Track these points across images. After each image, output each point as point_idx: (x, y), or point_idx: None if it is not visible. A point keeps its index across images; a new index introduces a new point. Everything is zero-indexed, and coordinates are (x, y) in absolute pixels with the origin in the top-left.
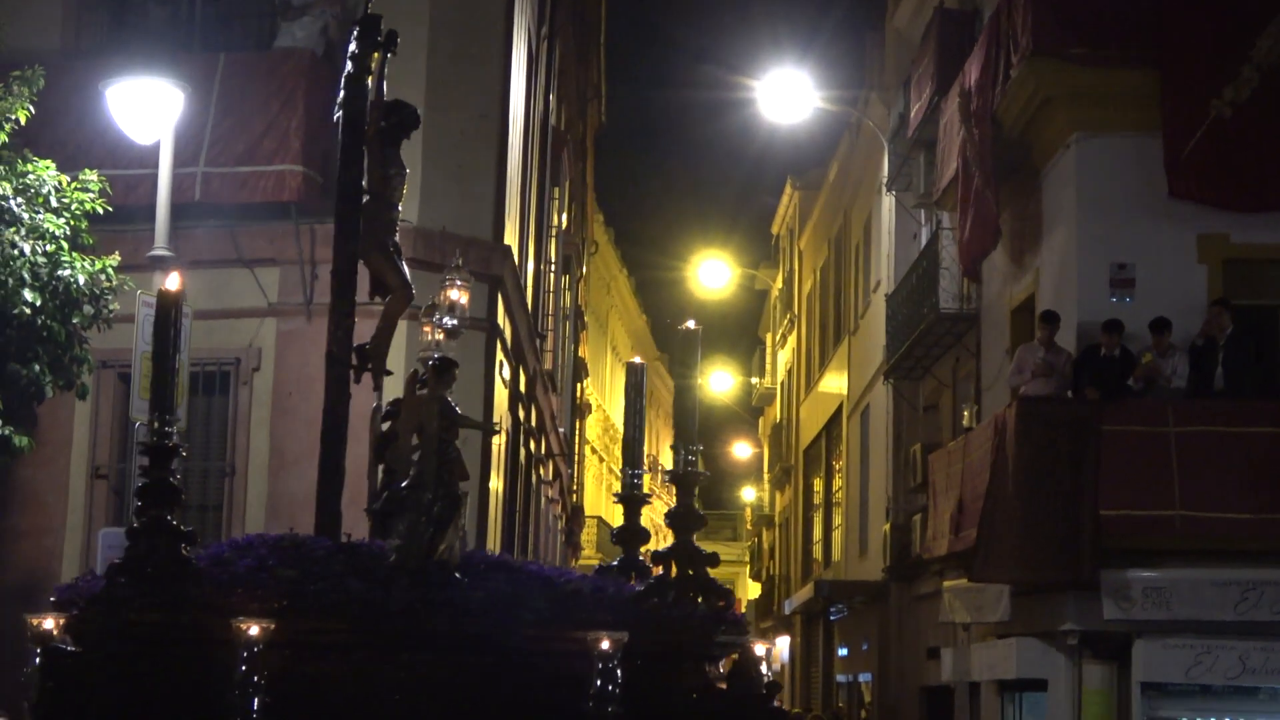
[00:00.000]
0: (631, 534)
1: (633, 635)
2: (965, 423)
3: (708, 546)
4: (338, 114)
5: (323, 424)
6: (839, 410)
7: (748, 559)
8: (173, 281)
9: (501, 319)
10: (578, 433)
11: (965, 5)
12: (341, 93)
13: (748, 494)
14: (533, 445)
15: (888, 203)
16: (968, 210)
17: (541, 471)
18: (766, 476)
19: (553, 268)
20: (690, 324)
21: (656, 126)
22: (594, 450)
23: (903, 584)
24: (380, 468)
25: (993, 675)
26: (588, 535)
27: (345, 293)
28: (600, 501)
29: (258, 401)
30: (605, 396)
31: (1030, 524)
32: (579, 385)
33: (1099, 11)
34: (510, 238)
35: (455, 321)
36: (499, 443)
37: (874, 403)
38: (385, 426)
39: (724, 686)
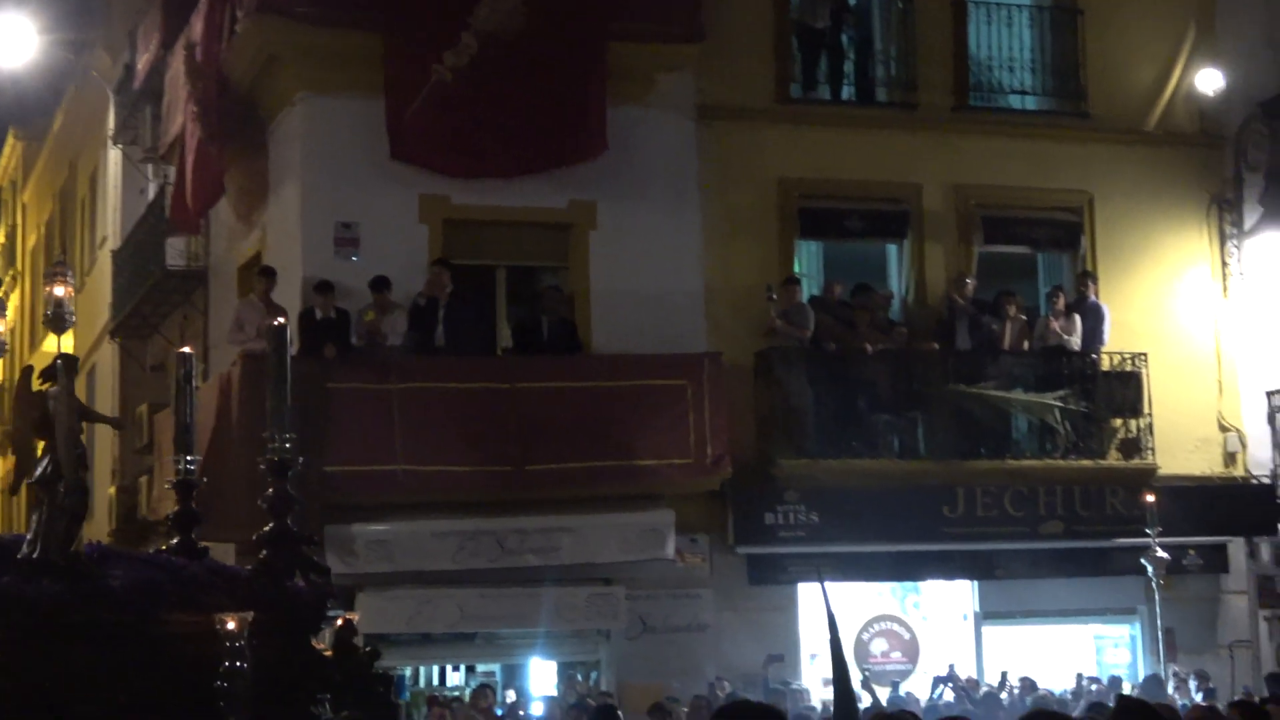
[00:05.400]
0: (187, 518)
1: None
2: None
3: None
4: None
5: None
6: None
7: None
8: None
9: None
10: None
11: None
12: None
13: None
14: None
15: (115, 156)
16: (190, 164)
17: None
18: None
19: None
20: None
21: None
22: None
23: (131, 547)
24: None
25: None
26: None
27: None
28: None
29: None
30: None
31: (255, 483)
32: None
33: None
34: None
35: (69, 315)
36: None
37: (100, 362)
38: None
39: (329, 654)
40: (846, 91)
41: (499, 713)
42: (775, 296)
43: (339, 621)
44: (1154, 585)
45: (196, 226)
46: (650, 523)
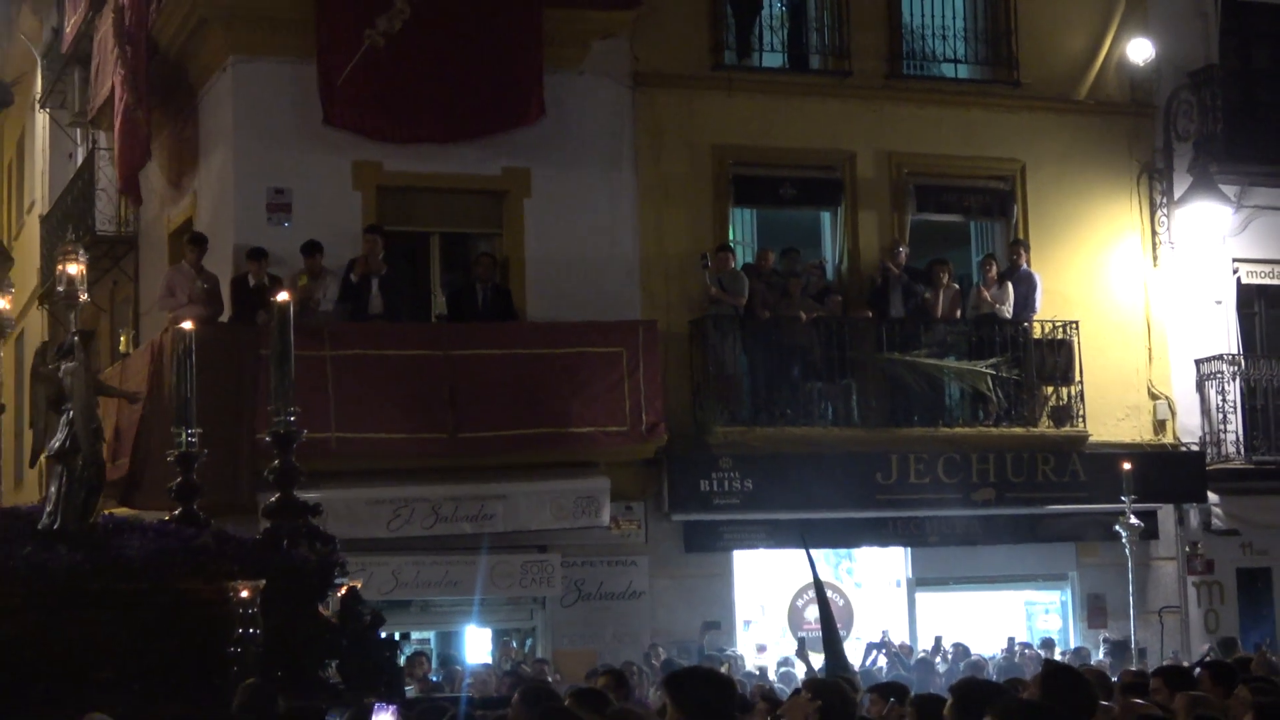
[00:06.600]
0: (188, 490)
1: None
2: (123, 348)
3: None
4: None
5: None
6: None
7: None
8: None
9: None
10: None
11: None
12: None
13: None
14: None
15: (42, 120)
16: (120, 127)
17: None
18: None
19: None
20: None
21: None
22: None
23: None
24: None
25: None
26: None
27: None
28: None
29: None
30: None
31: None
32: None
33: None
34: None
35: (81, 293)
36: None
37: (29, 328)
38: None
39: (335, 621)
40: (780, 59)
41: (434, 680)
42: (710, 264)
43: (343, 589)
44: (1127, 552)
45: (133, 189)
46: (585, 490)
